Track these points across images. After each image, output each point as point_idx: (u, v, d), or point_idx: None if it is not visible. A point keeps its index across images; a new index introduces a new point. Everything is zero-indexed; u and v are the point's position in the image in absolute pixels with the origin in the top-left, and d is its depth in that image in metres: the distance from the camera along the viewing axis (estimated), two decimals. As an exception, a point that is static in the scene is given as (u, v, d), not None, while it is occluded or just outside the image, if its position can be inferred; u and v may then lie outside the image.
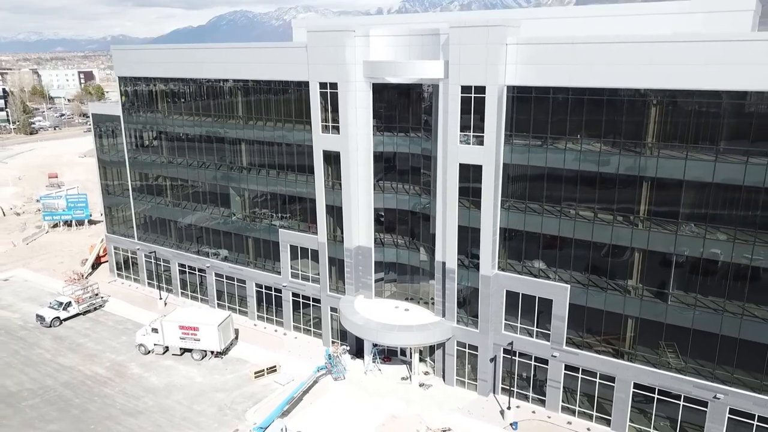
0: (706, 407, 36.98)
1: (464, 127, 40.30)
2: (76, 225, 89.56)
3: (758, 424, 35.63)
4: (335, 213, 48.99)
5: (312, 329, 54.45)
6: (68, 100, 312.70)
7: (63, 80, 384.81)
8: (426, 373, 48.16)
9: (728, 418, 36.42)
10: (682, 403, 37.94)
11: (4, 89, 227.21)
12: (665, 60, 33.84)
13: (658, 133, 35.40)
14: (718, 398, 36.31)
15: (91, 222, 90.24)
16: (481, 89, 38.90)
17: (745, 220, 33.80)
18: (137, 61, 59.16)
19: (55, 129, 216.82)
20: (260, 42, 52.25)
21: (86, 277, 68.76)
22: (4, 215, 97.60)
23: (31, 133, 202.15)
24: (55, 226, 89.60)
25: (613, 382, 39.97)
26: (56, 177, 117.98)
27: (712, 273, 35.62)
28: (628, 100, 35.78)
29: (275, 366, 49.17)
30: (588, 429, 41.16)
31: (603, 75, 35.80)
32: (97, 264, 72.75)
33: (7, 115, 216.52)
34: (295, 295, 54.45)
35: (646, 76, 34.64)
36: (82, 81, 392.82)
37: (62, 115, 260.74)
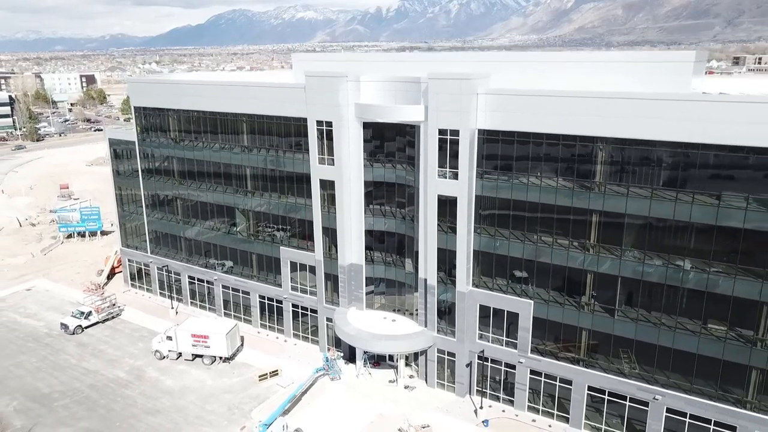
0: (648, 407, 43.14)
1: (441, 164, 46.35)
2: (89, 236, 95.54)
3: (690, 421, 41.78)
4: (330, 234, 55.01)
5: (310, 337, 60.57)
6: (71, 104, 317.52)
7: (65, 84, 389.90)
8: (411, 377, 54.25)
9: (665, 416, 42.59)
10: (628, 403, 44.08)
11: (10, 96, 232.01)
12: (610, 113, 39.91)
13: (604, 173, 41.46)
14: (657, 399, 42.45)
15: (103, 233, 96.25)
16: (455, 132, 44.99)
17: (675, 249, 39.90)
18: (152, 93, 65.13)
19: (60, 135, 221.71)
20: (265, 81, 58.02)
21: (102, 288, 74.84)
22: (21, 226, 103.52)
23: (37, 140, 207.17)
24: (70, 236, 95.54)
25: (571, 385, 46.12)
26: (67, 188, 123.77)
27: (651, 292, 41.72)
28: (580, 145, 41.83)
29: (277, 370, 55.25)
30: (550, 425, 47.31)
31: (558, 123, 41.85)
32: (111, 275, 78.76)
33: (14, 123, 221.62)
34: (294, 305, 60.57)
35: (594, 126, 40.67)
36: (84, 84, 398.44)
37: (66, 120, 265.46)
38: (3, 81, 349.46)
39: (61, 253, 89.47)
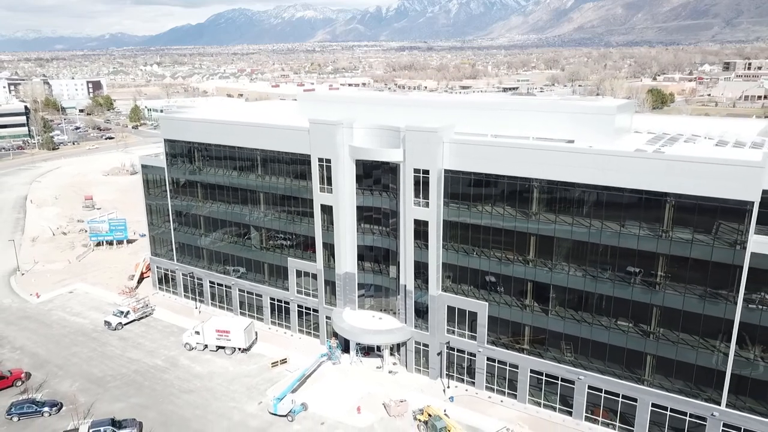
0: (574, 385, 55.73)
1: (416, 194, 58.91)
2: (116, 244, 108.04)
3: (605, 395, 54.39)
4: (329, 247, 67.55)
5: (312, 332, 73.23)
6: (80, 110, 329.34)
7: (72, 90, 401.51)
8: (394, 364, 66.84)
9: (587, 392, 55.19)
10: (560, 382, 56.68)
11: (26, 106, 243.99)
12: (538, 161, 52.44)
13: (539, 205, 53.98)
14: (581, 379, 55.04)
15: (129, 241, 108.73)
16: (426, 171, 57.55)
17: (591, 263, 52.46)
18: (180, 129, 77.70)
19: (74, 144, 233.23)
20: (277, 124, 69.75)
21: (134, 291, 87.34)
22: (54, 235, 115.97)
23: (53, 149, 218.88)
24: (99, 244, 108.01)
25: (518, 369, 58.71)
26: (91, 198, 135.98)
27: (575, 296, 54.28)
28: (520, 183, 54.36)
29: (286, 359, 67.82)
30: (502, 401, 59.90)
31: (502, 166, 54.36)
32: (140, 279, 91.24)
33: (29, 132, 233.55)
34: (299, 306, 73.24)
35: (531, 169, 53.14)
36: (91, 90, 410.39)
37: (77, 128, 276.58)
38: (13, 88, 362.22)
39: (94, 260, 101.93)
